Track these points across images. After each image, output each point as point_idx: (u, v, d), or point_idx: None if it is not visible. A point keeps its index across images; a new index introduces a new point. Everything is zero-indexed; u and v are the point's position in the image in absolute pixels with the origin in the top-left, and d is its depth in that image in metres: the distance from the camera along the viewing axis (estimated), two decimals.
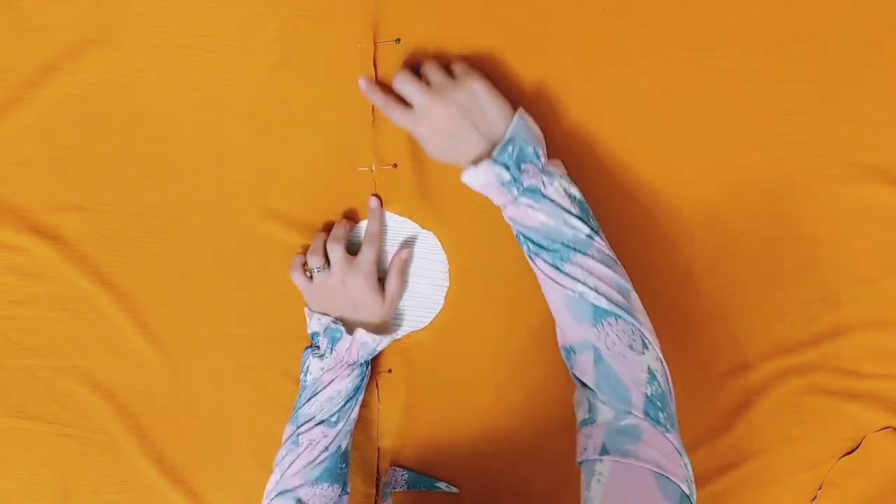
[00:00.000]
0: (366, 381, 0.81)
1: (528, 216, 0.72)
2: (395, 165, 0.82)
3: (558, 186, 0.72)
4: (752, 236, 0.84)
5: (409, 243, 0.84)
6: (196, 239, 0.84)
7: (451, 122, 0.73)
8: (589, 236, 0.71)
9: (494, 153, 0.72)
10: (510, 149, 0.71)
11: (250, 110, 0.83)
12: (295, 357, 0.84)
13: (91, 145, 0.83)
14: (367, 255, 0.80)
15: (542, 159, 0.73)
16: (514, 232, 0.75)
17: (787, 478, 0.86)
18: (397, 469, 0.85)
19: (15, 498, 0.85)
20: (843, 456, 0.86)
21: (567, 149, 0.83)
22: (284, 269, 0.83)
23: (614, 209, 0.84)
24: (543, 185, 0.72)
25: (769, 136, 0.83)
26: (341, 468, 0.78)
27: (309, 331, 0.81)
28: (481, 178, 0.72)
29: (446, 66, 0.77)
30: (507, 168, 0.71)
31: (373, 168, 0.83)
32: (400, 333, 0.85)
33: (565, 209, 0.71)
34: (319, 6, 0.80)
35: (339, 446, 0.78)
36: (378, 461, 0.85)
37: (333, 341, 0.79)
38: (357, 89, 0.79)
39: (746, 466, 0.86)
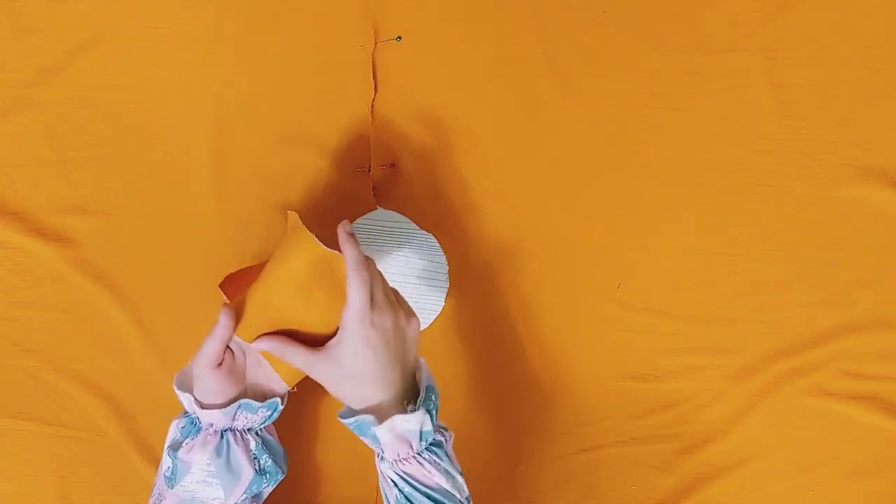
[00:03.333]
0: None
1: (429, 475, 0.66)
2: (393, 166, 0.83)
3: (452, 444, 0.70)
4: (752, 239, 0.84)
5: (408, 243, 0.85)
6: (198, 241, 0.84)
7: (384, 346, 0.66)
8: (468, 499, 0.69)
9: (420, 399, 0.66)
10: (433, 397, 0.67)
11: (252, 111, 0.83)
12: None
13: (93, 147, 0.83)
14: None
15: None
16: (394, 493, 0.67)
17: (787, 479, 0.86)
18: None
19: (14, 499, 0.85)
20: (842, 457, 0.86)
21: (565, 149, 0.83)
22: None
23: (611, 212, 0.84)
24: (445, 440, 0.68)
25: (768, 141, 0.83)
26: None
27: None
28: (412, 425, 0.64)
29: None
30: (432, 417, 0.66)
31: (370, 169, 0.83)
32: None
33: (458, 471, 0.69)
34: (320, 6, 0.81)
35: None
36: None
37: None
38: (357, 89, 0.79)
39: (747, 468, 0.86)
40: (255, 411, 0.70)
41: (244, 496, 0.71)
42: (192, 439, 0.70)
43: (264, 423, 0.72)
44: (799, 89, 0.83)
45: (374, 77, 0.82)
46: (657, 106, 0.83)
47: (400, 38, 0.81)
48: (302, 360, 0.68)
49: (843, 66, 0.83)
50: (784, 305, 0.85)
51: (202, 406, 0.69)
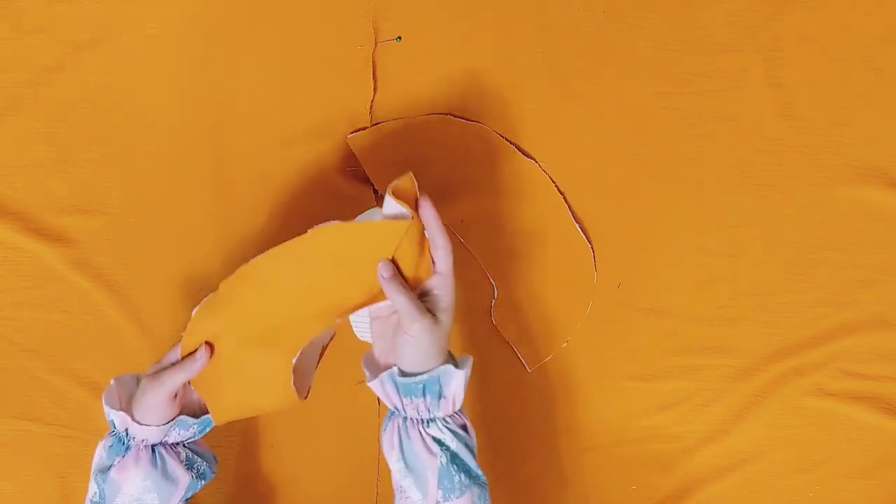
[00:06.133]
0: None
1: (470, 433, 0.68)
2: None
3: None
4: (752, 239, 0.84)
5: None
6: (198, 241, 0.84)
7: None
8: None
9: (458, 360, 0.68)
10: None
11: (252, 111, 0.83)
12: None
13: (93, 147, 0.83)
14: None
15: None
16: (439, 459, 0.65)
17: (787, 479, 0.86)
18: None
19: (14, 499, 0.85)
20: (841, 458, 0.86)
21: (565, 149, 0.83)
22: None
23: (614, 212, 0.84)
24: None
25: (768, 141, 0.83)
26: None
27: None
28: (462, 382, 0.66)
29: None
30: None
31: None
32: None
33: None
34: (320, 6, 0.81)
35: None
36: (379, 462, 0.85)
37: None
38: (356, 89, 0.79)
39: (747, 468, 0.86)
40: (187, 428, 0.72)
41: (180, 502, 0.72)
42: (123, 457, 0.69)
43: (194, 438, 0.73)
44: (799, 89, 0.83)
45: (374, 77, 0.82)
46: (657, 106, 0.83)
47: (400, 38, 0.81)
48: (421, 326, 0.64)
49: (843, 66, 0.83)
50: (784, 305, 0.85)
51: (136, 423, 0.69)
